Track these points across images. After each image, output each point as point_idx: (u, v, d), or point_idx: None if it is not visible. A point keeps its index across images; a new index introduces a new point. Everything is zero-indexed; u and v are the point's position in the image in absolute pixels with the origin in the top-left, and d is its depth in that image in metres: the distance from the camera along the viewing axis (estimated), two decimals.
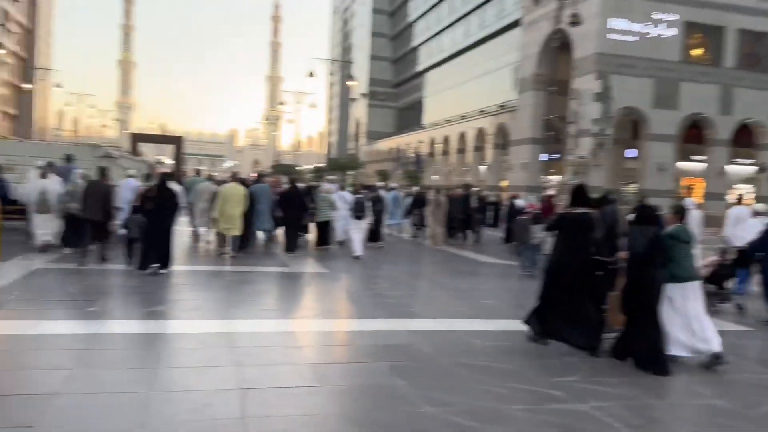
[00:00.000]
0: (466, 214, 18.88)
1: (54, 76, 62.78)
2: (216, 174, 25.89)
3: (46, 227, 11.94)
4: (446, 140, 58.39)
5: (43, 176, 12.13)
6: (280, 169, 64.87)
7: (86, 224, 10.79)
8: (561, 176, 39.05)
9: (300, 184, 16.04)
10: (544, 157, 41.62)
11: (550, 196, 18.22)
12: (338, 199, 15.43)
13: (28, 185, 12.22)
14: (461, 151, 55.19)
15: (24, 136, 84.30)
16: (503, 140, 47.42)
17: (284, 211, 14.27)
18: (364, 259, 13.59)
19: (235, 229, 12.67)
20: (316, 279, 11.23)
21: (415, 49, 74.51)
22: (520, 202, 20.63)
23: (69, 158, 13.64)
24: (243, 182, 14.59)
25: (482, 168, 51.21)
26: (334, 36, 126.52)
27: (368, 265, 12.90)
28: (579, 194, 6.99)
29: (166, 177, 10.93)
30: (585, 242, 6.68)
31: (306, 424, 4.38)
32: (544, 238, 8.64)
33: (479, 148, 51.76)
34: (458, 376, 5.59)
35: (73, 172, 12.88)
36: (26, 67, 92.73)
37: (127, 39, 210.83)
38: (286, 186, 14.89)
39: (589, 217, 6.77)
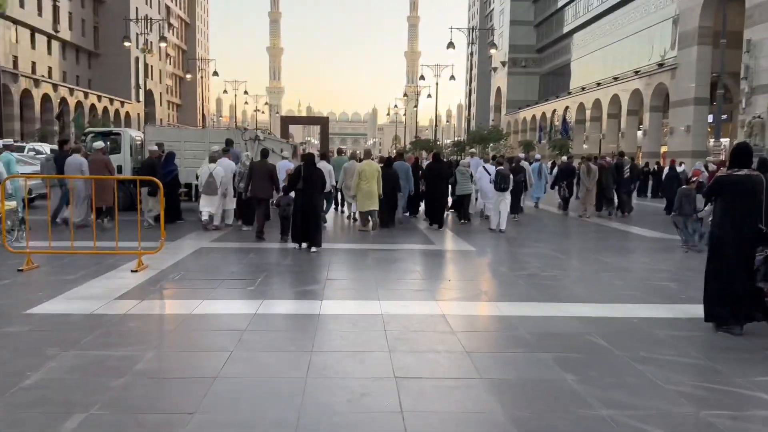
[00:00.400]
0: (619, 184, 17.47)
1: (211, 66, 67.44)
2: (358, 152, 26.39)
3: (209, 206, 12.60)
4: (596, 105, 54.81)
5: (213, 161, 12.77)
6: (420, 144, 65.07)
7: (255, 202, 11.60)
8: (731, 140, 34.98)
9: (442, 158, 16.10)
10: (710, 118, 37.56)
11: (720, 162, 16.27)
12: (480, 172, 15.09)
13: (201, 169, 12.94)
14: (614, 116, 51.55)
15: (188, 123, 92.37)
16: (662, 102, 43.49)
17: (428, 185, 14.25)
18: (510, 235, 13.07)
19: (373, 204, 12.91)
20: (462, 257, 10.85)
21: (559, 10, 70.43)
22: (681, 169, 18.72)
23: (228, 143, 14.35)
24: (388, 160, 14.90)
25: (639, 134, 47.47)
26: (472, 5, 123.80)
27: (515, 242, 12.37)
28: (741, 154, 6.01)
29: (313, 157, 11.05)
30: (749, 209, 5.78)
31: (466, 423, 3.99)
32: (709, 210, 7.52)
33: (634, 112, 47.99)
34: (640, 373, 4.89)
35: (242, 155, 13.69)
36: (187, 58, 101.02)
37: (274, 26, 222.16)
38: (428, 161, 15.00)
39: (755, 180, 5.82)
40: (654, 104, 44.42)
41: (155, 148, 13.77)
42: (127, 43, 40.89)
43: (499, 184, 13.45)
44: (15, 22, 53.06)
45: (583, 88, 58.64)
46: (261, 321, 6.21)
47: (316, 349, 5.34)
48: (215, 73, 55.17)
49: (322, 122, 36.73)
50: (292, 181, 10.43)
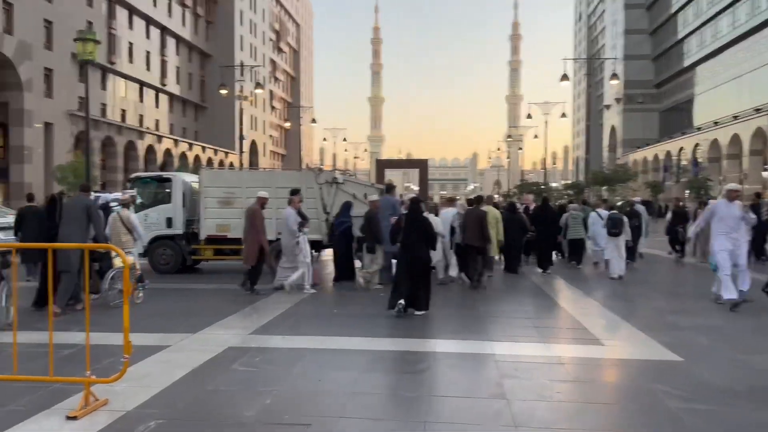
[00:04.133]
0: (756, 229, 13.11)
1: (313, 114, 67.03)
2: (459, 198, 23.19)
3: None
4: (735, 141, 47.93)
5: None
6: (526, 187, 60.35)
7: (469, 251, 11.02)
8: None
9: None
10: None
11: None
12: (593, 217, 14.81)
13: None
14: (757, 152, 44.62)
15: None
16: None
17: (537, 228, 13.95)
18: (627, 283, 11.97)
19: (494, 251, 12.04)
20: (579, 304, 9.74)
21: (680, 42, 64.28)
22: None
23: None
24: (512, 205, 14.58)
25: None
26: (577, 45, 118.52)
27: (634, 292, 10.92)
28: None
29: (419, 203, 9.13)
30: None
31: None
32: None
33: None
34: None
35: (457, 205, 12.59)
36: (291, 109, 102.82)
37: (375, 78, 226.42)
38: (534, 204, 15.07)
39: None
40: None
41: (375, 197, 11.63)
42: (222, 91, 40.02)
43: (611, 228, 12.67)
44: (124, 76, 54.84)
45: (716, 123, 51.85)
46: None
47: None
48: (313, 121, 54.08)
49: (421, 166, 33.35)
50: (394, 232, 9.17)
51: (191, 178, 13.28)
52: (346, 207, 12.11)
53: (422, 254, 8.46)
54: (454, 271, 11.88)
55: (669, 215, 17.60)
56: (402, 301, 8.06)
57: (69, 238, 8.45)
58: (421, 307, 8.34)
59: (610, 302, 9.65)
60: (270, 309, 8.66)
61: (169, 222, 12.78)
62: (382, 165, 35.25)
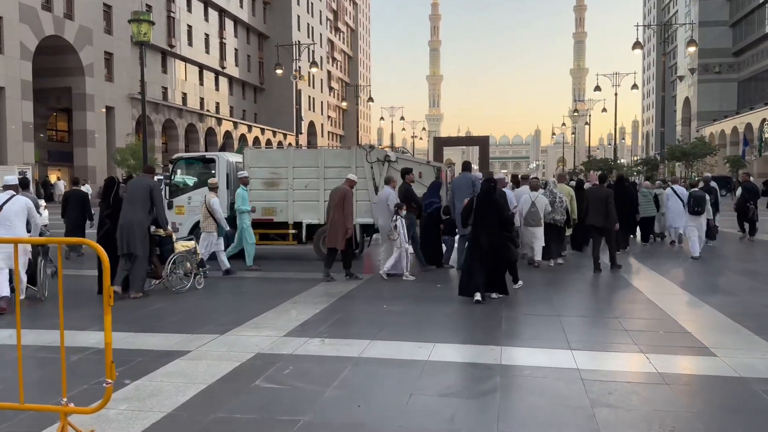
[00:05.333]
0: None
1: (370, 94, 66.03)
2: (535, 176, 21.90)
3: (539, 240, 10.84)
4: None
5: (535, 188, 11.17)
6: (595, 164, 57.47)
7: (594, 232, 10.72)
8: None
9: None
10: None
11: None
12: (669, 194, 14.45)
13: (522, 198, 11.04)
14: None
15: None
16: None
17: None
18: (715, 268, 11.13)
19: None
20: (671, 297, 8.37)
21: (762, 5, 59.34)
22: None
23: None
24: (580, 182, 14.31)
25: None
26: (647, 14, 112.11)
27: (729, 280, 9.93)
28: None
29: (492, 182, 8.53)
30: None
31: None
32: None
33: None
34: None
35: (550, 183, 12.07)
36: (349, 89, 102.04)
37: (434, 55, 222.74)
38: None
39: None
40: None
41: (500, 176, 12.14)
42: (278, 71, 39.44)
43: (693, 207, 12.14)
44: (184, 59, 55.22)
45: None
46: None
47: None
48: (370, 99, 52.99)
49: (481, 142, 31.84)
50: (465, 213, 8.55)
51: (236, 158, 12.43)
52: (435, 186, 11.18)
53: (495, 236, 7.92)
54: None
55: (739, 191, 16.76)
56: (478, 295, 7.70)
57: (131, 218, 8.24)
58: (501, 291, 7.99)
59: (708, 296, 8.18)
60: (312, 304, 7.67)
61: None
62: (440, 143, 33.94)
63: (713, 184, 15.57)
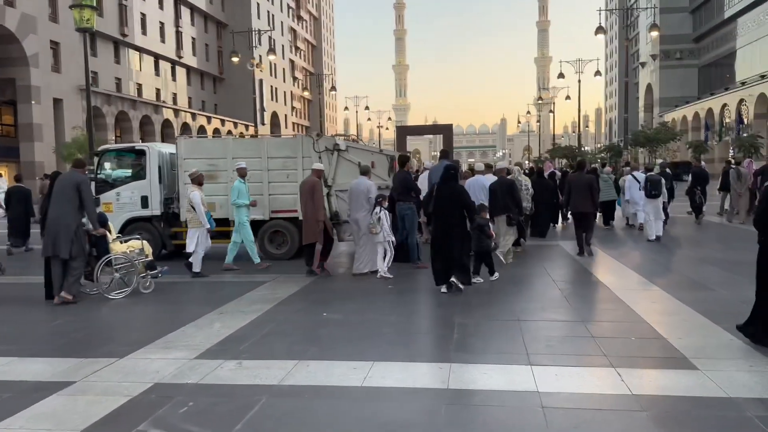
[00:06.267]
0: None
1: (334, 83, 64.72)
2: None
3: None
4: None
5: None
6: (560, 152, 57.35)
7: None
8: None
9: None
10: None
11: None
12: (629, 180, 14.98)
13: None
14: None
15: None
16: None
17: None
18: (666, 246, 11.80)
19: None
20: (637, 291, 7.85)
21: None
22: None
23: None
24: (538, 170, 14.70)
25: None
26: (608, 2, 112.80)
27: (695, 269, 9.50)
28: None
29: (453, 169, 8.29)
30: None
31: None
32: None
33: None
34: None
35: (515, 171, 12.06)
36: (313, 79, 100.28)
37: (399, 44, 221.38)
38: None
39: None
40: None
41: (502, 165, 11.50)
42: (234, 59, 38.00)
43: (650, 190, 12.68)
44: (138, 49, 53.11)
45: (762, 77, 48.01)
46: None
47: None
48: (333, 88, 51.79)
49: (445, 131, 31.09)
50: (425, 203, 8.83)
51: (169, 149, 11.33)
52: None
53: (456, 222, 7.68)
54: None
55: (690, 177, 17.65)
56: (443, 287, 7.60)
57: (57, 218, 7.62)
58: (461, 281, 7.67)
59: (679, 290, 7.47)
60: (241, 314, 6.71)
61: (145, 201, 10.89)
62: (403, 132, 33.10)
63: (668, 170, 16.29)
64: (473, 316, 6.58)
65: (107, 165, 11.24)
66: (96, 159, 11.19)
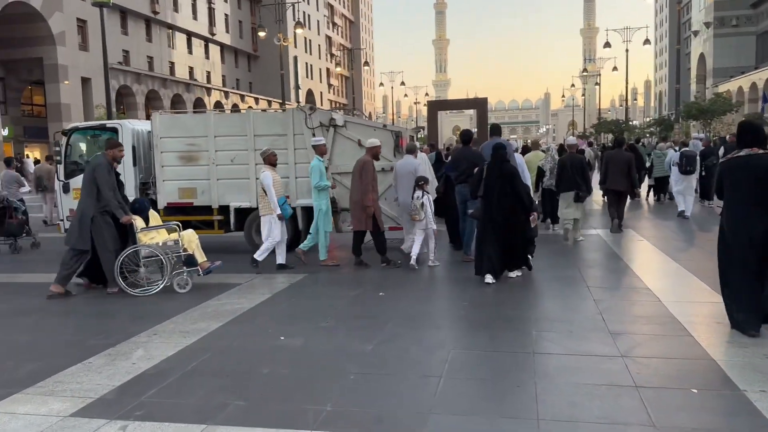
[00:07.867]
0: None
1: (374, 61, 62.97)
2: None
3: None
4: None
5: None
6: (606, 126, 54.48)
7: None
8: None
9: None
10: None
11: None
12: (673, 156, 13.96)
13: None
14: None
15: None
16: None
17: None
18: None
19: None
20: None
21: None
22: None
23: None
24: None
25: None
26: None
27: None
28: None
29: (503, 149, 7.54)
30: None
31: None
32: None
33: None
34: None
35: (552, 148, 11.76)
36: (349, 56, 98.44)
37: (440, 18, 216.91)
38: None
39: None
40: None
41: (573, 141, 11.29)
42: (261, 33, 36.58)
43: (684, 166, 12.51)
44: (170, 27, 52.32)
45: None
46: None
47: None
48: (366, 63, 50.19)
49: (479, 105, 29.03)
50: (474, 186, 7.70)
51: (144, 126, 9.98)
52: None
53: (508, 210, 7.24)
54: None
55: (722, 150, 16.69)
56: (489, 277, 7.10)
57: (78, 206, 7.31)
58: (516, 267, 7.39)
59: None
60: (178, 335, 5.26)
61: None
62: (434, 107, 31.16)
63: (713, 145, 16.64)
64: (473, 338, 5.01)
65: (77, 145, 9.99)
66: (64, 139, 9.90)
